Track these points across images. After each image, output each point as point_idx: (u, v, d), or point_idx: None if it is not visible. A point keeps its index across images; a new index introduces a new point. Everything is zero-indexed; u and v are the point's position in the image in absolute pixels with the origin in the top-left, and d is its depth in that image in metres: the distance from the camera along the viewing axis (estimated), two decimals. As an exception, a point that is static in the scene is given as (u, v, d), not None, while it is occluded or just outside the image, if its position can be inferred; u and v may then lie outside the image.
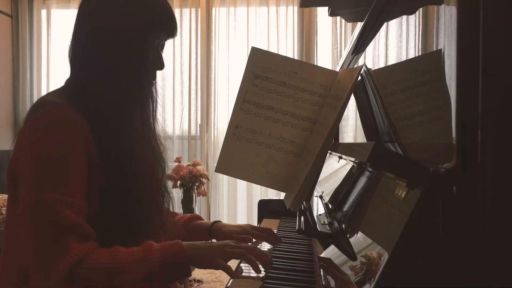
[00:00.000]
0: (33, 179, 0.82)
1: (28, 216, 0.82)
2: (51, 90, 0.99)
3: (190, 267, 0.87)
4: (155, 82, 1.07)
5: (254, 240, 1.09)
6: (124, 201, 0.90)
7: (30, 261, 0.81)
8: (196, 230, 1.15)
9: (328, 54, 3.73)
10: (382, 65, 0.96)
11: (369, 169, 0.85)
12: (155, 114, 1.06)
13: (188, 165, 2.96)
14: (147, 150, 0.99)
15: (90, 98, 0.90)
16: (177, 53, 3.84)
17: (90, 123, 0.88)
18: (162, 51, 1.02)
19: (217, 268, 0.87)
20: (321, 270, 0.90)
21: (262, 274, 0.91)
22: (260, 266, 0.90)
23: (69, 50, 0.96)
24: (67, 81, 0.97)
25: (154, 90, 1.06)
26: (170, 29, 0.98)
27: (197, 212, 3.08)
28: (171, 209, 1.10)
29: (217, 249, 0.89)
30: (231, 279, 0.91)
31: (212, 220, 1.19)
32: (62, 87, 0.96)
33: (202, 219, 1.19)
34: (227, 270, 0.88)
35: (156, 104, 1.06)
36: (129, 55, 0.92)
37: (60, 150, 0.83)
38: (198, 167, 2.93)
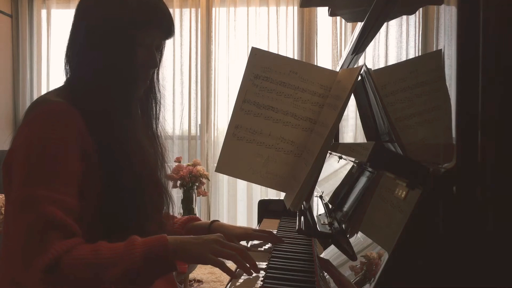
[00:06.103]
0: (24, 175, 0.82)
1: (15, 211, 0.82)
2: (51, 90, 0.99)
3: (174, 262, 0.84)
4: (158, 84, 1.06)
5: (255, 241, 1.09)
6: (122, 200, 0.90)
7: (14, 255, 0.81)
8: (194, 230, 1.14)
9: (328, 54, 3.73)
10: (382, 65, 0.95)
11: (369, 169, 0.84)
12: (158, 116, 1.06)
13: (188, 165, 2.97)
14: (147, 150, 0.99)
15: (86, 97, 0.90)
16: (177, 53, 3.84)
17: (87, 121, 0.88)
18: (160, 51, 1.01)
19: (207, 264, 0.85)
20: (321, 270, 0.90)
21: (262, 273, 0.91)
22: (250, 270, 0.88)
23: (66, 50, 0.97)
24: (66, 81, 0.97)
25: (157, 92, 1.06)
26: (162, 28, 0.96)
27: (197, 212, 3.08)
28: (170, 212, 1.09)
29: (205, 244, 0.85)
30: (231, 280, 0.91)
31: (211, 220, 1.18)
32: (61, 86, 0.96)
33: (200, 220, 1.19)
34: (221, 266, 0.85)
35: (159, 107, 1.06)
36: (118, 53, 0.92)
37: (53, 148, 0.83)
38: (198, 167, 2.93)
